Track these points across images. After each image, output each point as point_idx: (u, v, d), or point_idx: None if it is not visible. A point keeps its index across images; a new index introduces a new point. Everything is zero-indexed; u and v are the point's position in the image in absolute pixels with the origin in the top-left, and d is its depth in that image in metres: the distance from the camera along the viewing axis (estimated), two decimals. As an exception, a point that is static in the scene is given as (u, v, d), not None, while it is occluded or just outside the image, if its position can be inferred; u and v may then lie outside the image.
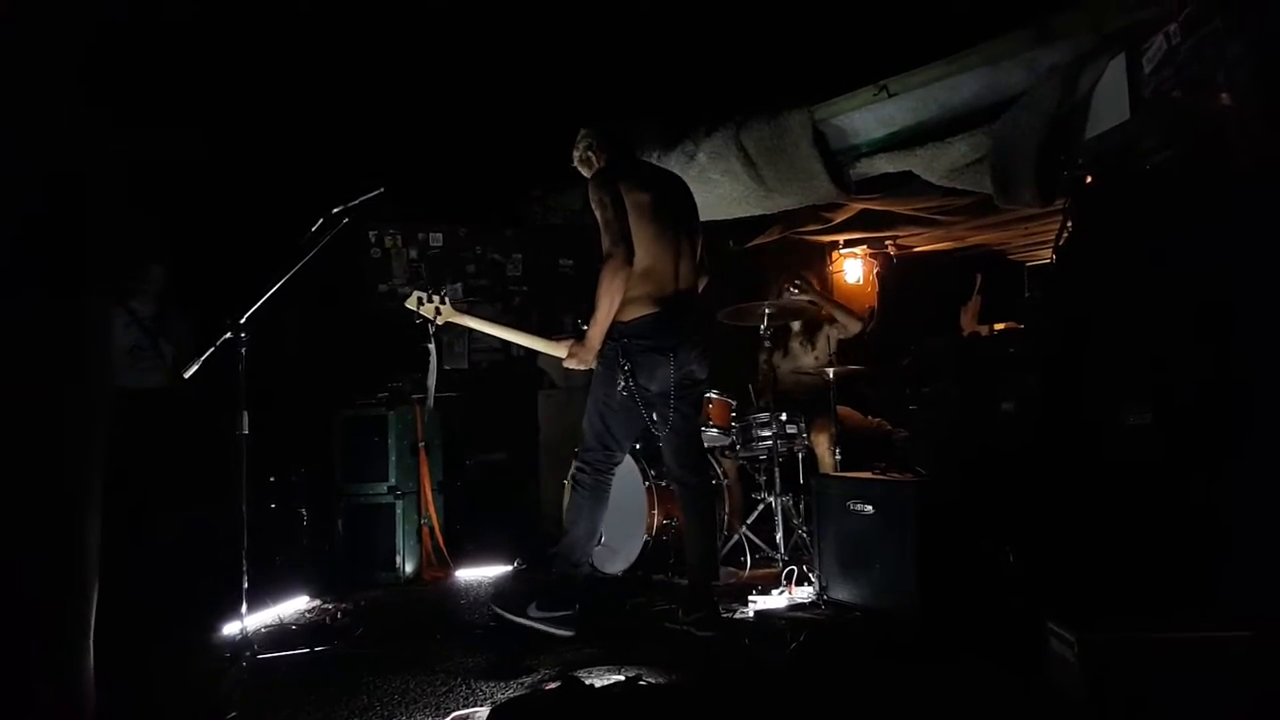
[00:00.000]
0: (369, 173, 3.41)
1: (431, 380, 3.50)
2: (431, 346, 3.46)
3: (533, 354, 6.02)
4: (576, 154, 3.54)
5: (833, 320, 5.21)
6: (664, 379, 3.24)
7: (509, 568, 4.83)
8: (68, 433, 1.07)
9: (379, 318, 5.58)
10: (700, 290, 3.54)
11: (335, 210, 3.27)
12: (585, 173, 3.50)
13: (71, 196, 1.09)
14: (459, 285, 3.40)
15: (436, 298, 3.49)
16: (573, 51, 4.76)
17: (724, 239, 5.83)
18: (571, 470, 3.42)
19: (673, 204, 3.37)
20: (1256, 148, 2.25)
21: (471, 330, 3.64)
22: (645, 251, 3.20)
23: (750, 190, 4.50)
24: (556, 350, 3.45)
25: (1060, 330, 2.88)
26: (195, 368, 3.07)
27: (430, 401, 3.61)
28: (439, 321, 3.48)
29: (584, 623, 3.20)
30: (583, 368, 3.30)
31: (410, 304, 3.49)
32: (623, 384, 3.18)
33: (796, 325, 5.23)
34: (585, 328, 3.24)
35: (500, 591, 3.23)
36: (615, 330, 3.21)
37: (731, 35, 4.54)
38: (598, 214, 3.17)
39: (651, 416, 3.26)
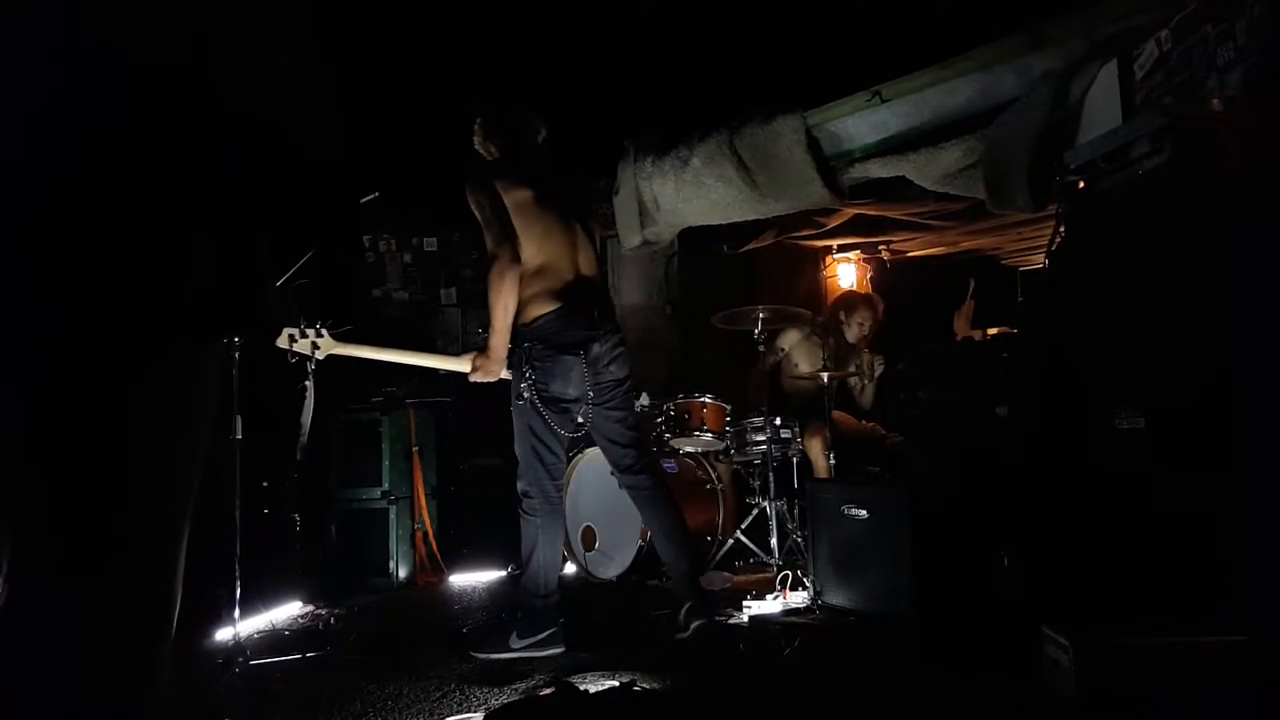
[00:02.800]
0: (364, 178, 3.41)
1: (306, 418, 3.22)
2: (310, 384, 3.20)
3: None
4: (476, 141, 3.36)
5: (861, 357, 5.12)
6: (579, 381, 3.04)
7: (503, 573, 4.82)
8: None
9: (374, 322, 5.58)
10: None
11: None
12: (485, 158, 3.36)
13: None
14: (330, 321, 3.27)
15: (311, 331, 3.18)
16: (569, 56, 4.77)
17: (718, 244, 5.84)
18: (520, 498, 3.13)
19: (559, 194, 3.18)
20: (1248, 153, 2.27)
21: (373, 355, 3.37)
22: (537, 248, 3.06)
23: (744, 195, 4.51)
24: (460, 365, 3.18)
25: (1053, 335, 2.89)
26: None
27: (303, 440, 3.27)
28: (319, 356, 3.20)
29: (574, 630, 3.18)
30: (491, 379, 3.13)
31: (281, 343, 3.14)
32: (527, 393, 3.00)
33: (801, 331, 5.21)
34: (486, 336, 3.08)
35: (476, 639, 3.18)
36: (517, 334, 3.05)
37: (726, 41, 4.56)
38: (477, 215, 3.07)
39: (565, 422, 3.08)
